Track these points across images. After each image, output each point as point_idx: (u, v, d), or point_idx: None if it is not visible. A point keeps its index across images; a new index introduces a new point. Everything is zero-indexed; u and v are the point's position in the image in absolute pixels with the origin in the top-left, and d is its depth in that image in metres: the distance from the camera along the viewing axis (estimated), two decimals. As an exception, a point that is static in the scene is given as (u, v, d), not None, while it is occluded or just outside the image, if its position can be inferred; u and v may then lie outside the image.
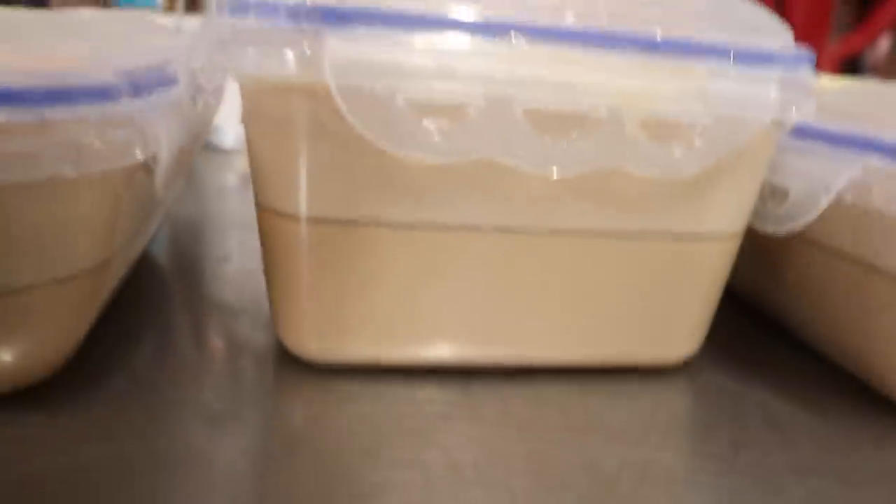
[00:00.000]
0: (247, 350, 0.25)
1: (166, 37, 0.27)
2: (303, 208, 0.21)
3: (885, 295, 0.22)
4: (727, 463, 0.21)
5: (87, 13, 0.25)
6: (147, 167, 0.21)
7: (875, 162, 0.22)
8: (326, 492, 0.18)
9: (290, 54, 0.19)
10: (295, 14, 0.19)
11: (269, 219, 0.22)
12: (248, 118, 0.21)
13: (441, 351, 0.23)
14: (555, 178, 0.20)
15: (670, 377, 0.25)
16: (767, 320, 0.31)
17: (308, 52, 0.19)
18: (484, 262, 0.22)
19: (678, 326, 0.24)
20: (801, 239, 0.25)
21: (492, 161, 0.20)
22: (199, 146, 0.27)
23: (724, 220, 0.23)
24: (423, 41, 0.19)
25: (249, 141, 0.22)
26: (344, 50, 0.19)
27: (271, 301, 0.23)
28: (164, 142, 0.21)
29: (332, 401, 0.22)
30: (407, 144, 0.19)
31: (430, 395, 0.23)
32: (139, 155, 0.20)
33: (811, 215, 0.23)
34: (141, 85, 0.20)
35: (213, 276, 0.32)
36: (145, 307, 0.27)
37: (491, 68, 0.19)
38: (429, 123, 0.19)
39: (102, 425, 0.20)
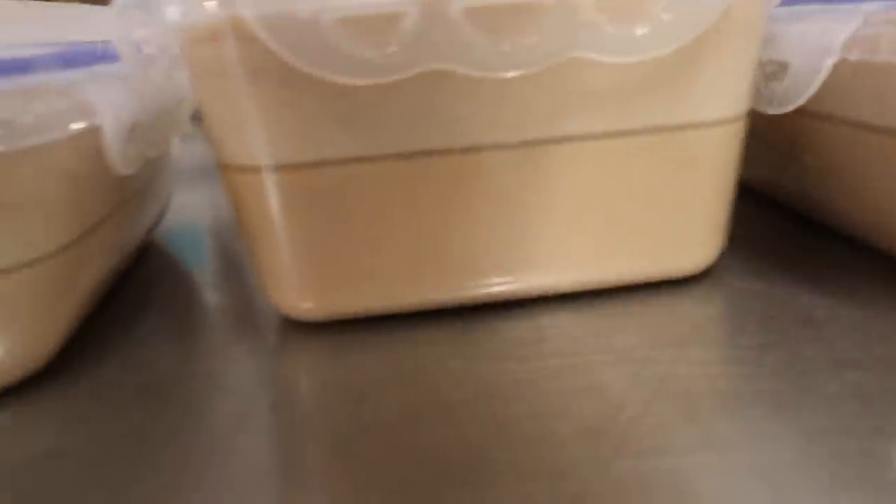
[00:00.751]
0: (245, 318, 0.24)
1: (108, 17, 0.26)
2: (262, 158, 0.20)
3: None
4: (753, 366, 0.19)
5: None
6: (92, 140, 0.20)
7: (876, 8, 0.19)
8: (313, 434, 0.17)
9: (203, -7, 0.18)
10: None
11: (232, 177, 0.21)
12: (191, 74, 0.20)
13: (435, 290, 0.22)
14: (509, 77, 0.18)
15: (689, 287, 0.23)
16: (792, 214, 0.28)
17: (221, -13, 0.18)
18: (464, 187, 0.21)
19: (692, 230, 0.22)
20: (813, 116, 0.22)
21: (442, 72, 0.19)
22: (176, 123, 0.26)
23: (720, 103, 0.21)
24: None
25: (197, 98, 0.21)
26: (257, -23, 0.18)
27: (253, 264, 0.22)
28: (106, 113, 0.20)
29: (323, 354, 0.21)
30: (341, 68, 0.18)
31: (426, 337, 0.21)
32: (75, 126, 0.19)
33: (815, 83, 0.20)
34: (71, 58, 0.20)
35: (219, 255, 0.31)
36: (146, 293, 0.27)
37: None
38: (361, 41, 0.18)
39: (93, 407, 0.19)
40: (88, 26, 0.23)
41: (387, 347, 0.21)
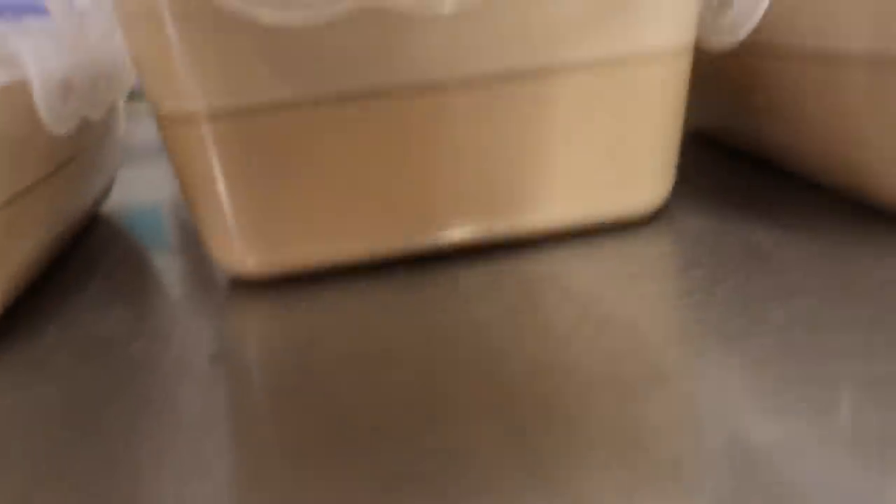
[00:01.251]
0: (193, 282, 0.23)
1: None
2: (195, 105, 0.19)
3: (863, 83, 0.20)
4: (702, 298, 0.18)
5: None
6: (19, 94, 0.19)
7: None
8: (259, 383, 0.17)
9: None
10: None
11: (168, 128, 0.20)
12: (120, 21, 0.20)
13: (382, 241, 0.21)
14: (444, 13, 0.18)
15: (638, 229, 0.22)
16: (743, 156, 0.28)
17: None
18: (406, 130, 0.20)
19: (640, 170, 0.22)
20: (761, 50, 0.22)
21: (375, 9, 0.18)
22: (117, 83, 0.25)
23: (663, 33, 0.20)
24: None
25: (128, 46, 0.20)
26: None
27: (196, 222, 0.22)
28: (33, 67, 0.19)
29: (269, 310, 0.20)
30: (271, 7, 0.17)
31: (374, 288, 0.21)
32: (1, 78, 0.19)
33: (759, 11, 0.20)
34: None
35: (171, 229, 0.30)
36: (92, 262, 0.26)
37: None
38: (290, -22, 0.17)
39: (31, 373, 0.19)
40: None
41: (334, 300, 0.20)
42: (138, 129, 0.44)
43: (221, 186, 0.20)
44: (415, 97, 0.20)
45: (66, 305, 0.22)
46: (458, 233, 0.21)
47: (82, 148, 0.26)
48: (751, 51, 0.23)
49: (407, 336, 0.18)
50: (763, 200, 0.24)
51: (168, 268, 0.25)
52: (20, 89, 0.19)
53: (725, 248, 0.21)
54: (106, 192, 0.32)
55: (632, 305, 0.18)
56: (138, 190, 0.36)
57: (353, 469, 0.14)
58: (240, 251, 0.21)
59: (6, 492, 0.14)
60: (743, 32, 0.20)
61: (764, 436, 0.13)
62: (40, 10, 0.21)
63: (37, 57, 0.19)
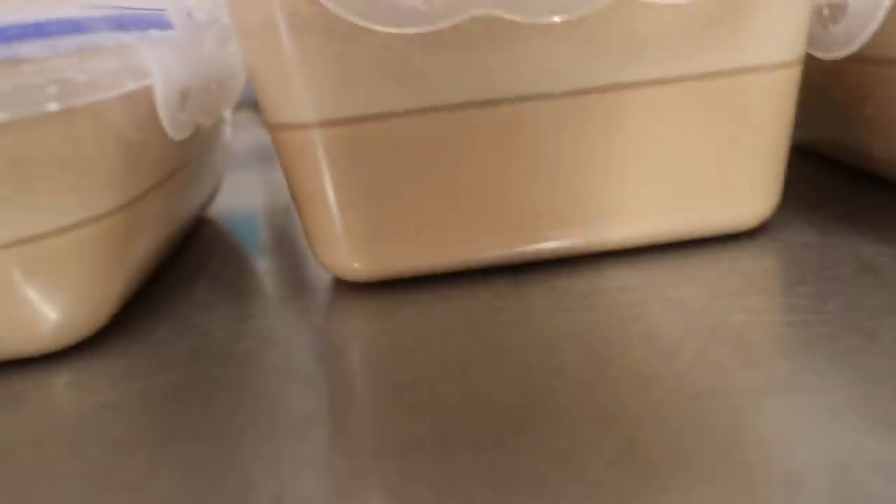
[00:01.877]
0: (297, 283, 0.24)
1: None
2: (308, 114, 0.20)
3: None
4: (811, 313, 0.18)
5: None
6: (143, 102, 0.20)
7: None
8: (362, 385, 0.17)
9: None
10: None
11: (279, 135, 0.21)
12: (237, 33, 0.21)
13: (486, 248, 0.22)
14: (556, 21, 0.18)
15: (746, 240, 0.22)
16: (850, 170, 0.27)
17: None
18: (514, 140, 0.20)
19: (748, 181, 0.22)
20: (872, 62, 0.22)
21: (488, 19, 0.18)
22: (228, 92, 0.26)
23: (774, 47, 0.20)
24: None
25: (245, 58, 0.21)
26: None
27: (303, 226, 0.22)
28: (158, 75, 0.20)
29: (373, 312, 0.21)
30: (386, 18, 0.18)
31: (478, 293, 0.21)
32: (129, 85, 0.20)
33: (873, 24, 0.19)
34: (124, 21, 0.20)
35: (273, 233, 0.31)
36: (200, 264, 0.27)
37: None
38: (405, -11, 0.18)
39: (147, 365, 0.20)
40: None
41: (437, 304, 0.21)
42: (240, 138, 0.45)
43: (330, 192, 0.21)
44: (519, 107, 0.20)
45: (177, 304, 0.23)
46: (557, 242, 0.22)
47: (193, 154, 0.27)
48: (862, 59, 0.22)
49: (510, 341, 0.18)
50: (870, 214, 0.23)
51: (270, 270, 0.26)
52: (144, 97, 0.20)
53: (833, 264, 0.20)
54: (212, 196, 0.33)
55: (739, 319, 0.18)
56: (240, 195, 0.38)
57: (462, 469, 0.14)
58: (344, 254, 0.22)
59: (120, 478, 0.15)
60: (855, 45, 0.20)
61: (875, 454, 0.13)
62: (165, 24, 0.22)
63: (162, 67, 0.20)
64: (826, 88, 0.25)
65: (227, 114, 0.30)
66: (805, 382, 0.16)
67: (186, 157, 0.26)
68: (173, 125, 0.21)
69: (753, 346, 0.17)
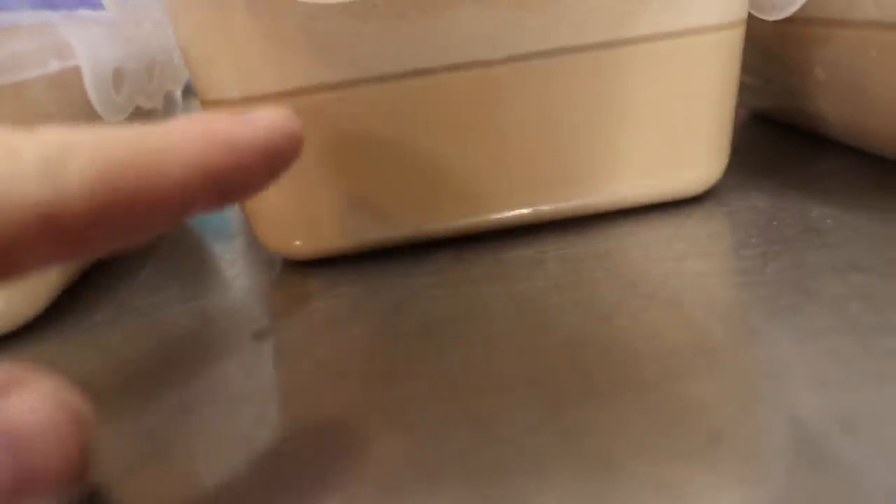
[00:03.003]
0: (245, 264, 0.24)
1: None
2: (237, 89, 0.20)
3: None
4: (753, 274, 0.18)
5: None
6: (73, 82, 0.20)
7: None
8: (293, 363, 0.17)
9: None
10: None
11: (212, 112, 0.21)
12: (167, 8, 0.20)
13: (429, 220, 0.21)
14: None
15: (695, 205, 0.22)
16: (803, 134, 0.27)
17: None
18: (451, 110, 0.20)
19: (693, 146, 0.21)
20: (820, 22, 0.21)
21: (414, -12, 0.18)
22: (172, 74, 0.26)
23: (714, 7, 0.20)
24: None
25: (176, 35, 0.20)
26: None
27: (243, 207, 0.22)
28: (85, 54, 0.20)
29: (315, 289, 0.21)
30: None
31: (419, 266, 0.21)
32: (52, 65, 0.19)
33: (813, -21, 0.19)
34: (48, 1, 0.20)
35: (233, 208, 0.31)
36: (148, 246, 0.27)
37: None
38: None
39: (86, 351, 0.19)
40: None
41: (378, 279, 0.20)
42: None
43: (267, 169, 0.20)
44: (454, 76, 0.19)
45: (120, 288, 0.23)
46: (506, 212, 0.21)
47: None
48: (807, 23, 0.22)
49: (445, 312, 0.18)
50: (820, 177, 0.23)
51: (221, 251, 0.26)
52: (73, 78, 0.20)
53: (779, 226, 0.20)
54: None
55: (678, 283, 0.18)
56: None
57: (383, 444, 0.14)
58: (287, 233, 0.21)
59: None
60: (796, 4, 0.20)
61: (812, 409, 0.13)
62: (95, 3, 0.21)
63: (89, 46, 0.20)
64: (778, 53, 0.25)
65: (178, 96, 0.30)
66: (739, 343, 0.15)
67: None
68: (106, 106, 0.21)
69: (690, 309, 0.17)
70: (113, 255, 0.25)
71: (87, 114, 0.21)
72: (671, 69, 0.20)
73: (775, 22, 0.21)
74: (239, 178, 0.15)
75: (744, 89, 0.30)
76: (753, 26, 0.22)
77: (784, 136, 0.28)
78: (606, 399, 0.14)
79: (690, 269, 0.18)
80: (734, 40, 0.21)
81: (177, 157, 0.13)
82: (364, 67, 0.19)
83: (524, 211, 0.21)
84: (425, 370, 0.16)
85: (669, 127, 0.21)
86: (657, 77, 0.20)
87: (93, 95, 0.20)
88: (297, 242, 0.21)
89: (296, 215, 0.21)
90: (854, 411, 0.13)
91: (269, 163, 0.15)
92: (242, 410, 0.15)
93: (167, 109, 0.29)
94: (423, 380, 0.15)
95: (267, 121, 0.15)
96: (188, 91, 0.29)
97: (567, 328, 0.16)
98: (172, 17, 0.20)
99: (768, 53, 0.25)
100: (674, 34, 0.20)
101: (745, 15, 0.21)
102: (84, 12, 0.21)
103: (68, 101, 0.20)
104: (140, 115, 0.24)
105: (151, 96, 0.24)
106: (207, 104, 0.20)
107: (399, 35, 0.19)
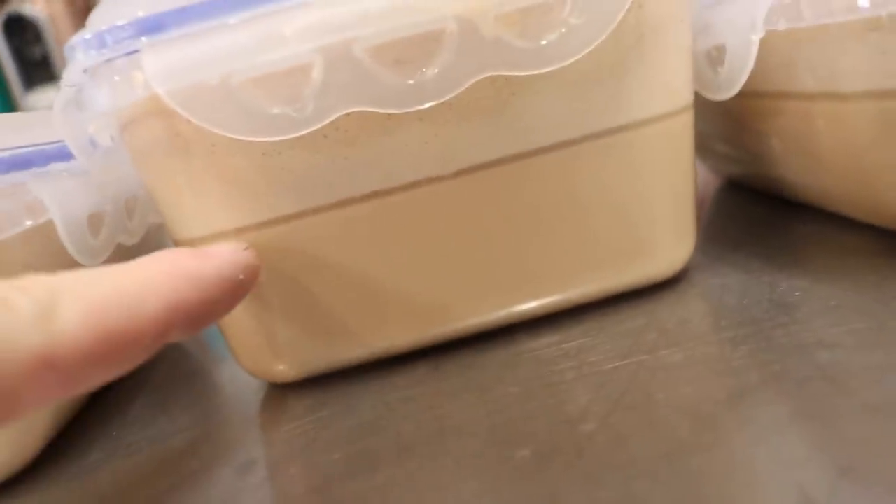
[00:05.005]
0: (231, 389, 0.24)
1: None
2: (202, 227, 0.20)
3: (865, 121, 0.19)
4: (720, 362, 0.18)
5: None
6: (48, 234, 0.21)
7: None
8: (276, 495, 0.17)
9: (116, 79, 0.19)
10: (115, 38, 0.18)
11: (186, 252, 0.21)
12: (130, 157, 0.21)
13: (403, 334, 0.21)
14: (426, 108, 0.18)
15: (666, 289, 0.22)
16: (774, 197, 0.27)
17: (133, 72, 0.18)
18: (413, 226, 0.20)
19: (658, 232, 0.21)
20: (769, 95, 0.22)
21: (361, 115, 0.19)
22: (152, 209, 0.27)
23: (659, 98, 0.20)
24: (237, 18, 0.18)
25: (141, 177, 0.21)
26: (163, 55, 0.18)
27: (224, 337, 0.22)
28: (54, 208, 0.21)
29: (296, 413, 0.21)
30: (259, 127, 0.18)
31: (395, 382, 0.21)
32: (26, 223, 0.20)
33: (749, 61, 0.19)
34: (18, 161, 0.21)
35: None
36: (140, 378, 0.27)
37: (316, 19, 0.18)
38: (273, 98, 0.18)
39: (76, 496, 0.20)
40: (43, 130, 0.24)
41: (357, 398, 0.21)
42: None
43: (243, 302, 0.21)
44: (411, 194, 0.20)
45: (112, 424, 0.23)
46: (471, 320, 0.21)
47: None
48: (758, 96, 0.22)
49: (418, 431, 0.18)
50: (790, 246, 0.23)
51: (210, 377, 0.26)
52: (50, 229, 0.21)
53: (748, 304, 0.20)
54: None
55: (648, 378, 0.18)
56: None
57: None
58: (269, 359, 0.22)
59: None
60: (738, 84, 0.20)
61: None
62: (67, 155, 0.22)
63: (60, 200, 0.21)
64: (740, 122, 0.25)
65: (160, 230, 0.30)
66: (702, 442, 0.15)
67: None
68: (83, 254, 0.22)
69: (657, 408, 0.17)
70: (105, 388, 0.26)
71: (68, 261, 0.21)
72: (623, 162, 0.20)
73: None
74: (205, 309, 0.16)
75: (717, 157, 0.30)
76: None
77: (757, 202, 0.28)
78: (571, 516, 0.14)
79: (660, 362, 0.18)
80: (683, 125, 0.21)
81: (152, 294, 0.15)
82: (320, 196, 0.20)
83: (495, 315, 0.21)
84: (400, 495, 0.16)
85: (631, 217, 0.21)
86: (610, 171, 0.20)
87: (68, 245, 0.21)
88: (278, 368, 0.22)
89: (272, 342, 0.21)
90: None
91: (230, 292, 0.18)
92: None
93: (148, 243, 0.30)
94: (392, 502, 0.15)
95: (227, 255, 0.18)
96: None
97: (536, 440, 0.16)
98: (136, 164, 0.21)
99: (733, 123, 0.26)
100: (621, 128, 0.20)
101: (690, 99, 0.21)
102: (57, 166, 0.22)
103: (48, 252, 0.21)
104: (121, 251, 0.25)
105: (133, 233, 0.25)
106: (179, 242, 0.21)
107: (351, 162, 0.19)
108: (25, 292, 0.14)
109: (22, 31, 0.94)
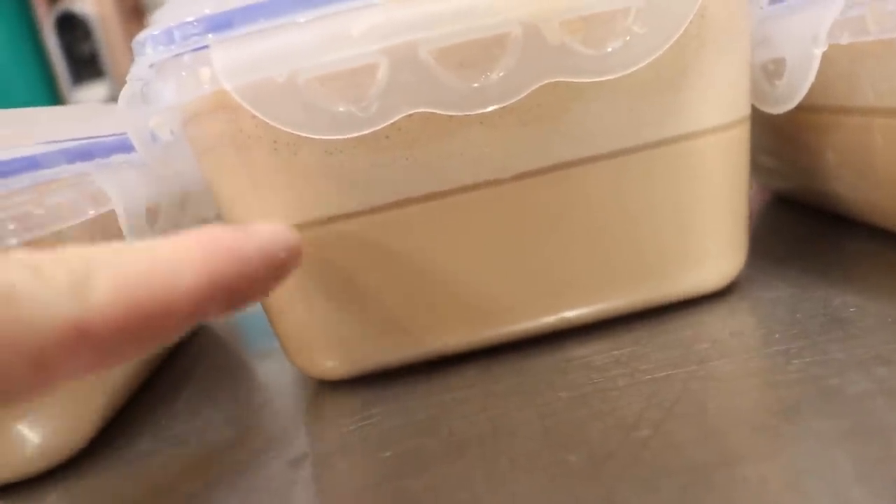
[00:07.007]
0: (279, 384, 0.24)
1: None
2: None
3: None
4: (775, 374, 0.18)
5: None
6: (108, 224, 0.21)
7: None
8: (329, 492, 0.17)
9: (183, 74, 0.19)
10: (183, 34, 0.19)
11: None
12: (193, 153, 0.21)
13: (455, 335, 0.22)
14: (488, 112, 0.18)
15: (717, 301, 0.22)
16: (824, 216, 0.27)
17: (200, 68, 0.19)
18: (468, 228, 0.20)
19: (710, 243, 0.21)
20: (827, 110, 0.22)
21: (424, 116, 0.19)
22: (208, 204, 0.27)
23: (717, 109, 0.20)
24: (305, 17, 0.18)
25: (203, 173, 0.22)
26: (231, 52, 0.18)
27: (276, 333, 0.23)
28: (117, 199, 0.21)
29: (346, 412, 0.21)
30: (323, 125, 0.18)
31: (446, 383, 0.21)
32: (89, 212, 0.20)
33: (810, 75, 0.19)
34: (82, 152, 0.21)
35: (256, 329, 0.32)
36: (188, 369, 0.27)
37: (383, 20, 0.18)
38: (338, 96, 0.18)
39: (128, 481, 0.20)
40: (109, 121, 0.25)
41: (408, 398, 0.21)
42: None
43: (297, 298, 0.21)
44: (468, 196, 0.20)
45: (160, 414, 0.24)
46: (529, 322, 0.22)
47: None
48: (815, 111, 0.22)
49: (472, 431, 0.18)
50: (842, 262, 0.23)
51: (257, 372, 0.26)
52: (110, 220, 0.21)
53: (802, 318, 0.20)
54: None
55: (700, 388, 0.18)
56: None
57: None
58: (320, 356, 0.22)
59: None
60: (797, 97, 0.20)
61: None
62: (128, 147, 0.23)
63: (121, 191, 0.21)
64: (793, 137, 0.25)
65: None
66: (760, 454, 0.15)
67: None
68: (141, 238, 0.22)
69: (711, 417, 0.17)
70: (154, 378, 0.26)
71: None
72: (678, 172, 0.21)
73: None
74: (244, 286, 0.16)
75: (766, 172, 0.30)
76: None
77: (806, 217, 0.28)
78: (628, 521, 0.14)
79: (712, 373, 0.18)
80: (740, 137, 0.21)
81: (187, 267, 0.15)
82: (379, 195, 0.20)
83: (547, 319, 0.22)
84: (452, 494, 0.16)
85: (684, 227, 0.21)
86: (665, 180, 0.21)
87: (126, 234, 0.21)
88: (329, 364, 0.22)
89: (325, 338, 0.22)
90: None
91: (271, 271, 0.17)
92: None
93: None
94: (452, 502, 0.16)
95: (268, 233, 0.17)
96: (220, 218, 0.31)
97: (590, 444, 0.16)
98: (197, 157, 0.21)
99: (785, 138, 0.26)
100: (678, 138, 0.20)
101: (748, 111, 0.21)
102: (118, 157, 0.22)
103: (107, 241, 0.21)
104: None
105: (185, 227, 0.25)
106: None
107: (411, 163, 0.20)
108: (61, 263, 0.13)
109: (72, 29, 0.97)
